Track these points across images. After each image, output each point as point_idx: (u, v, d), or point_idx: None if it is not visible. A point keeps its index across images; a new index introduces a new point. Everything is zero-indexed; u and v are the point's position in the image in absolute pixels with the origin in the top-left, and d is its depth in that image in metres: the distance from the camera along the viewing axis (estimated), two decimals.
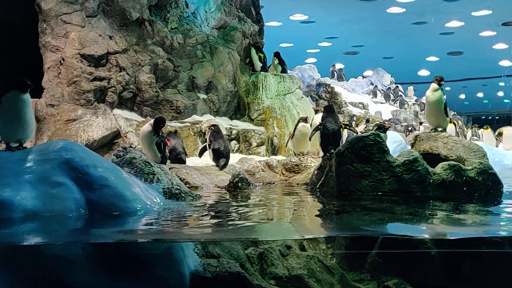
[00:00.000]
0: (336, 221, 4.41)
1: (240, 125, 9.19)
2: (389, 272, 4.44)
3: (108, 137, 7.75)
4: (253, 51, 10.17)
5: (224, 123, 9.05)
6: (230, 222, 4.03)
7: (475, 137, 16.91)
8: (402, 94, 23.06)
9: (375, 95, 22.05)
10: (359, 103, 20.48)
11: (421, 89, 29.89)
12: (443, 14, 20.67)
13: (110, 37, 8.33)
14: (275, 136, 9.24)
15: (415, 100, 23.21)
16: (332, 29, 23.07)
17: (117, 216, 3.76)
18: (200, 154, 7.09)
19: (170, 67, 8.95)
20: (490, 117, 32.88)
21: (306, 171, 6.66)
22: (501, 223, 4.40)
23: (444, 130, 6.22)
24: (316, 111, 7.05)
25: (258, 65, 10.11)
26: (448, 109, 6.43)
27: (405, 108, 21.37)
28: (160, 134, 5.70)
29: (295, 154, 7.23)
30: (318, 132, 5.97)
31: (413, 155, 5.22)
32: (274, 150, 9.24)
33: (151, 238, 3.57)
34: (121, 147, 4.99)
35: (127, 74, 8.45)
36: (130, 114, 8.52)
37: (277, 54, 10.69)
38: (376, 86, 22.82)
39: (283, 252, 4.41)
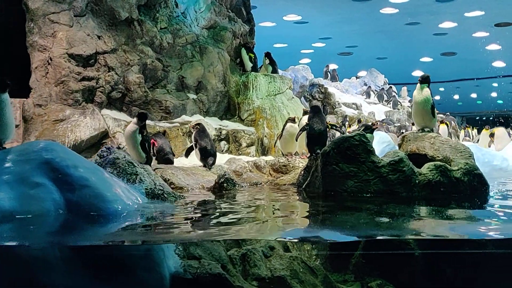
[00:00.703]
0: (320, 223, 4.39)
1: (230, 125, 9.16)
2: (372, 273, 4.43)
3: (96, 137, 7.71)
4: (244, 51, 10.14)
5: (213, 123, 9.02)
6: (210, 223, 4.01)
7: (468, 138, 16.96)
8: (395, 94, 23.09)
9: (368, 95, 22.07)
10: (353, 103, 20.51)
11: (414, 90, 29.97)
12: (436, 15, 20.70)
13: (99, 37, 8.28)
14: (265, 136, 9.22)
15: (409, 101, 23.25)
16: (325, 29, 23.07)
17: (96, 217, 3.72)
18: (187, 154, 7.06)
19: (159, 67, 8.91)
20: (484, 118, 32.99)
21: (294, 172, 6.64)
22: (484, 224, 4.39)
23: (431, 130, 6.20)
24: (305, 112, 7.02)
25: (248, 65, 10.08)
26: (435, 109, 6.41)
27: (398, 109, 21.40)
28: (145, 134, 5.66)
29: (283, 155, 7.20)
30: (305, 132, 5.95)
31: (398, 156, 5.20)
32: (264, 151, 9.22)
33: (130, 239, 3.54)
34: (105, 147, 4.96)
35: (116, 74, 8.40)
36: (119, 114, 8.47)
37: (268, 54, 10.66)
38: (369, 86, 22.85)
39: (266, 253, 4.38)
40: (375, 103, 21.68)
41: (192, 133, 7.11)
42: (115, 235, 3.56)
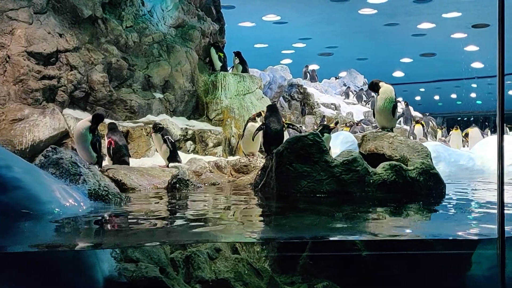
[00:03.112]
0: (268, 224, 4.31)
1: (197, 125, 9.05)
2: (320, 274, 4.35)
3: (56, 137, 7.53)
4: (213, 51, 10.03)
5: (180, 123, 8.89)
6: (149, 225, 3.89)
7: (443, 138, 17.06)
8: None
9: (347, 96, 22.11)
10: (331, 104, 20.53)
11: (396, 90, 30.11)
12: (414, 16, 20.78)
13: (60, 35, 8.10)
14: (233, 136, 9.11)
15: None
16: (305, 30, 23.05)
17: (28, 219, 3.59)
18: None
19: (124, 66, 8.76)
20: (465, 118, 33.27)
21: (254, 172, 6.54)
22: (434, 224, 4.34)
23: (391, 130, 6.16)
24: (259, 114, 6.93)
25: (218, 64, 9.97)
26: (396, 110, 6.38)
27: None
28: (97, 133, 5.52)
29: (245, 155, 7.11)
30: (261, 132, 5.86)
31: (352, 155, 5.14)
32: (231, 151, 9.12)
33: (60, 242, 3.41)
34: (51, 147, 4.80)
35: (79, 73, 8.23)
36: (83, 114, 8.29)
37: (237, 54, 10.56)
38: (348, 87, 22.89)
39: (211, 255, 4.28)
40: (354, 104, 21.73)
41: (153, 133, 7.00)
42: (44, 238, 3.43)
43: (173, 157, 6.98)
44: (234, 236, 3.85)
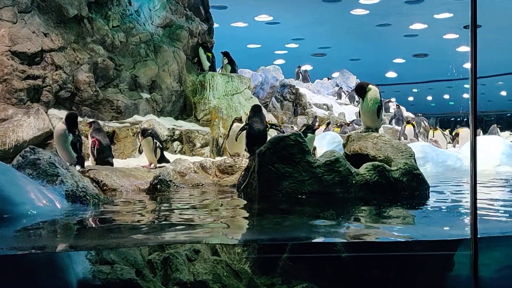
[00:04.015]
0: (247, 225, 4.27)
1: (185, 125, 8.99)
2: (299, 276, 4.31)
3: (40, 137, 7.45)
4: (201, 51, 9.98)
5: (167, 123, 8.83)
6: (125, 227, 3.84)
7: (433, 138, 17.07)
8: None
9: (339, 96, 22.10)
10: (324, 104, 20.51)
11: (389, 91, 30.11)
12: (406, 16, 20.81)
13: (45, 34, 8.02)
14: (221, 137, 9.06)
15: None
16: (297, 30, 23.03)
17: (1, 221, 3.53)
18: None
19: (110, 66, 8.69)
20: (459, 119, 33.32)
21: (239, 172, 6.49)
22: (416, 226, 4.31)
23: (376, 130, 6.13)
24: (239, 119, 6.90)
25: (206, 64, 9.92)
26: (382, 110, 6.36)
27: None
28: (77, 133, 5.46)
29: (230, 155, 7.06)
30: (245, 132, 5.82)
31: (334, 156, 5.10)
32: (219, 151, 9.07)
33: (31, 244, 3.35)
34: (29, 147, 4.74)
35: (64, 72, 8.16)
36: None
37: (226, 54, 10.51)
38: (341, 87, 22.89)
39: (190, 257, 4.23)
40: (346, 104, 21.72)
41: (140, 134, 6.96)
42: (16, 239, 3.37)
43: (161, 158, 6.99)
44: (207, 238, 3.79)
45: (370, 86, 6.27)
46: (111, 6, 8.89)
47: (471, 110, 2.74)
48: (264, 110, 9.33)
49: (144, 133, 6.85)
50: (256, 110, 5.85)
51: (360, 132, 6.11)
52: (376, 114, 6.14)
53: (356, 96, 22.89)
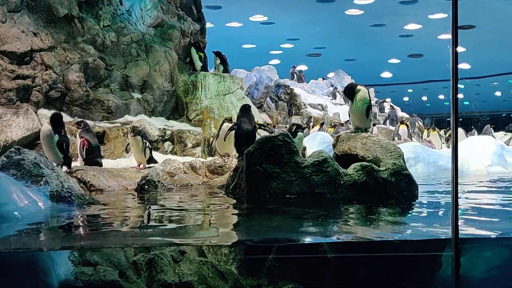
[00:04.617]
0: (233, 226, 4.23)
1: (176, 125, 8.95)
2: (286, 277, 4.29)
3: (29, 137, 7.41)
4: (193, 51, 9.94)
5: (158, 123, 8.79)
6: (108, 228, 3.80)
7: (427, 139, 17.10)
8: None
9: (334, 96, 22.10)
10: (318, 104, 20.50)
11: (384, 91, 30.15)
12: (400, 17, 20.84)
13: (35, 34, 7.97)
14: (212, 137, 9.02)
15: (375, 102, 23.36)
16: (292, 30, 23.03)
17: None
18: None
19: (101, 65, 8.65)
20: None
21: (229, 173, 6.47)
22: (403, 226, 4.29)
23: (365, 130, 6.11)
24: (229, 119, 6.87)
25: (198, 64, 9.88)
26: (371, 111, 6.35)
27: None
28: (63, 133, 5.42)
29: (220, 156, 7.03)
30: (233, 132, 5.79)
31: (322, 156, 5.08)
32: (211, 151, 9.03)
33: (10, 245, 3.31)
34: (14, 147, 4.70)
35: (54, 72, 8.11)
36: None
37: (218, 54, 10.48)
38: (336, 87, 22.89)
39: (175, 258, 4.19)
40: (341, 104, 21.70)
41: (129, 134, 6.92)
42: None
43: (150, 159, 6.98)
44: (192, 239, 3.76)
45: (359, 87, 6.28)
46: (102, 5, 8.85)
47: (452, 111, 2.72)
48: (256, 110, 9.33)
49: (134, 130, 6.81)
50: (244, 110, 5.83)
51: (350, 133, 6.10)
52: (365, 114, 6.13)
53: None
